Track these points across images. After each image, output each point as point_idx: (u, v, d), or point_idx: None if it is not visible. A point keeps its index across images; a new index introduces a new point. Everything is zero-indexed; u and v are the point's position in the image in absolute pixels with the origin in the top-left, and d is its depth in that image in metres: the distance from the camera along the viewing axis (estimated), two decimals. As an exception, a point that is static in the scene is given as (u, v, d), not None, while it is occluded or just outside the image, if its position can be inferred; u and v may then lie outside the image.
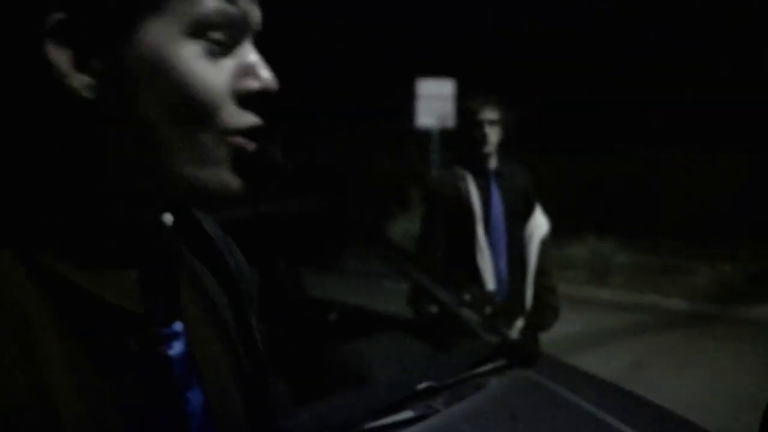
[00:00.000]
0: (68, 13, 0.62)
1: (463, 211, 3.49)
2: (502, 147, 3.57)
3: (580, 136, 13.10)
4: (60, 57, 0.63)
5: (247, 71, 0.70)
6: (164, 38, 0.65)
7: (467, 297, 3.03)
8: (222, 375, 0.79)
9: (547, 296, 3.63)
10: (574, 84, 14.28)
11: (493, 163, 3.57)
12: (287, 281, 3.35)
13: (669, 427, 2.40)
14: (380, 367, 2.60)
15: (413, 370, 2.44)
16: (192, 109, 0.67)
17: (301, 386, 2.17)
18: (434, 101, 10.32)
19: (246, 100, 0.70)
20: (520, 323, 3.50)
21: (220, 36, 0.68)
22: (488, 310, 3.24)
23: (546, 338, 3.53)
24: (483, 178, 3.55)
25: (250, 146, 0.72)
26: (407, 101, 10.50)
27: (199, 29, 0.67)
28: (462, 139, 3.62)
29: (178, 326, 0.74)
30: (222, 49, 0.69)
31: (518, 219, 3.62)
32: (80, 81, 0.64)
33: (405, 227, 11.03)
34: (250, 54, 0.71)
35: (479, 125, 3.47)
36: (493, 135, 3.49)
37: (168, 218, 0.79)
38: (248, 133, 0.71)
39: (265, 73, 0.71)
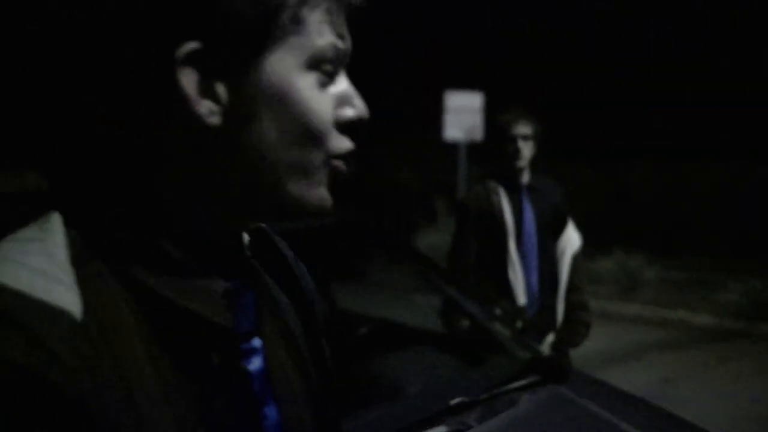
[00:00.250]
0: (201, 43, 0.66)
1: (495, 225, 3.50)
2: (534, 161, 3.57)
3: (609, 149, 13.04)
4: (189, 83, 0.67)
5: (345, 100, 0.76)
6: (285, 69, 0.70)
7: (498, 311, 3.03)
8: (294, 393, 0.81)
9: (579, 312, 3.62)
10: (606, 96, 14.21)
11: (525, 177, 3.57)
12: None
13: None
14: (412, 382, 2.60)
15: (445, 385, 2.44)
16: (306, 135, 0.72)
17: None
18: (462, 114, 10.30)
19: (343, 126, 0.76)
20: (550, 339, 3.49)
21: (329, 68, 0.73)
22: (519, 324, 3.24)
23: (573, 353, 3.51)
24: (515, 192, 3.55)
25: (346, 169, 0.77)
26: (435, 113, 10.51)
27: (314, 62, 0.72)
28: (495, 153, 3.62)
29: (256, 342, 0.77)
30: (329, 80, 0.74)
31: (550, 234, 3.61)
32: (205, 107, 0.68)
33: (432, 240, 11.02)
34: (346, 84, 0.77)
35: (512, 140, 3.48)
36: (526, 150, 3.50)
37: (245, 237, 0.82)
38: (345, 157, 0.76)
39: (360, 103, 0.77)
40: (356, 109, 0.76)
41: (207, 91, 0.68)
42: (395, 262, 2.95)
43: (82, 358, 0.60)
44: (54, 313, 0.60)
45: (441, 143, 10.86)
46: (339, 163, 0.76)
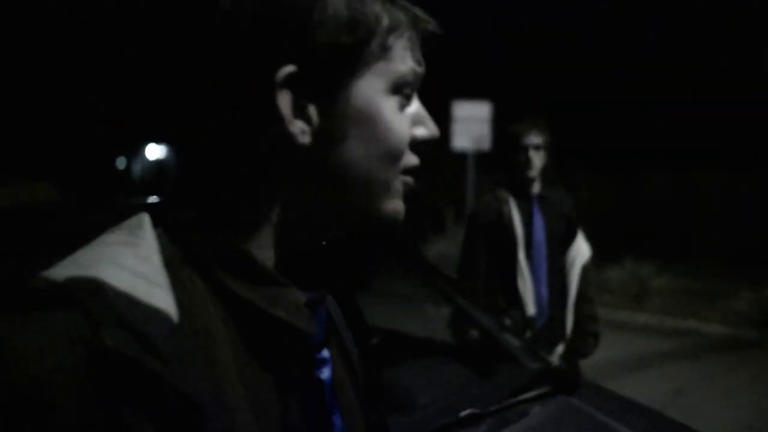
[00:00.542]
0: (298, 67, 0.72)
1: (505, 235, 3.49)
2: (545, 171, 3.57)
3: (615, 155, 13.01)
4: (284, 104, 0.72)
5: (419, 120, 0.82)
6: (371, 93, 0.76)
7: (507, 321, 3.02)
8: (352, 405, 0.86)
9: (588, 323, 3.60)
10: (608, 97, 14.18)
11: (536, 187, 3.57)
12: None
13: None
14: (422, 393, 2.59)
15: (455, 397, 2.43)
16: (388, 153, 0.77)
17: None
18: (470, 123, 10.31)
19: (415, 144, 0.82)
20: (560, 349, 3.48)
21: (408, 91, 0.80)
22: (528, 334, 3.23)
23: (583, 363, 3.50)
24: (526, 202, 3.55)
25: (413, 183, 0.83)
26: (443, 123, 10.51)
27: (397, 86, 0.78)
28: (505, 162, 3.62)
29: (326, 353, 0.81)
30: (407, 102, 0.80)
31: (560, 244, 3.60)
32: (298, 127, 0.73)
33: (441, 249, 11.02)
34: (418, 105, 0.83)
35: (524, 149, 3.48)
36: (537, 159, 3.50)
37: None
38: (412, 171, 0.82)
39: (431, 123, 0.83)
40: (429, 129, 0.83)
41: (300, 112, 0.73)
42: (405, 272, 2.95)
43: (183, 358, 0.63)
44: (156, 315, 0.64)
45: (449, 153, 10.87)
46: (408, 179, 0.82)
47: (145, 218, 0.73)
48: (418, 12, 0.80)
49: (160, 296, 0.65)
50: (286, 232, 0.77)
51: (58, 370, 0.59)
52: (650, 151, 12.85)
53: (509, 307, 3.40)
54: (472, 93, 10.54)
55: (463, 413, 2.17)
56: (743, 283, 9.90)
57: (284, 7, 0.71)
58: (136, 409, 0.60)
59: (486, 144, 10.39)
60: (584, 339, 3.57)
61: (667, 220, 12.56)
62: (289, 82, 0.72)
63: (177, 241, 0.72)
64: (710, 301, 9.60)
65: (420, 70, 0.80)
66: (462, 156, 10.93)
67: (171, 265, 0.69)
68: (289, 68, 0.71)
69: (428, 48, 0.82)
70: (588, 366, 3.46)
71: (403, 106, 0.79)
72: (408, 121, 0.80)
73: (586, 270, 3.62)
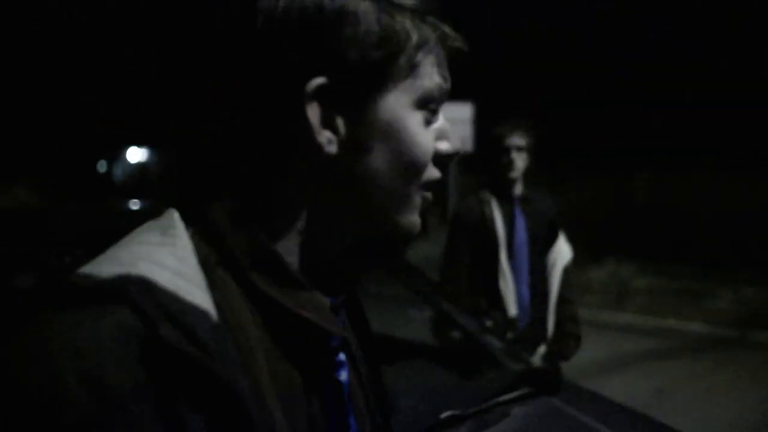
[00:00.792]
0: (328, 79, 0.74)
1: (487, 236, 3.50)
2: (527, 173, 3.58)
3: (600, 159, 13.05)
4: (313, 114, 0.74)
5: (443, 135, 0.84)
6: (398, 108, 0.78)
7: (489, 323, 3.02)
8: (361, 408, 0.89)
9: (570, 325, 3.62)
10: (593, 98, 14.21)
11: (518, 188, 3.58)
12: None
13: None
14: (403, 395, 2.59)
15: (436, 398, 2.43)
16: (411, 167, 0.80)
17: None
18: (452, 125, 10.28)
19: (437, 158, 0.84)
20: (542, 350, 3.49)
21: (434, 107, 0.82)
22: (509, 335, 3.23)
23: (565, 363, 3.51)
24: (508, 203, 3.56)
25: (430, 196, 0.85)
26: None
27: (423, 102, 0.80)
28: (488, 164, 3.63)
29: (342, 356, 0.85)
30: (432, 117, 0.82)
31: (541, 246, 3.61)
32: (325, 137, 0.75)
33: (424, 251, 11.01)
34: (442, 120, 0.85)
35: (506, 151, 3.50)
36: (520, 161, 3.51)
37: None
38: (432, 186, 0.84)
39: (454, 138, 0.86)
40: (452, 144, 0.85)
41: (328, 123, 0.76)
42: (387, 274, 2.94)
43: (226, 354, 0.66)
44: (200, 313, 0.67)
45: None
46: (428, 194, 0.84)
47: (177, 218, 0.75)
48: (447, 29, 0.82)
49: (199, 295, 0.68)
50: (310, 238, 0.79)
51: (117, 365, 0.61)
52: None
53: (491, 308, 3.40)
54: (453, 94, 10.54)
55: (444, 415, 2.17)
56: (724, 282, 9.97)
57: (318, 21, 0.73)
58: (189, 402, 0.63)
59: (468, 146, 10.40)
60: (565, 341, 3.58)
61: (648, 222, 12.62)
62: (319, 94, 0.74)
63: (210, 242, 0.74)
64: (691, 300, 9.65)
65: (446, 86, 0.83)
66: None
67: (206, 265, 0.72)
68: (320, 80, 0.73)
69: (455, 64, 0.84)
70: (570, 366, 3.46)
71: (428, 121, 0.81)
72: (432, 135, 0.82)
73: (567, 272, 3.63)
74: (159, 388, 0.62)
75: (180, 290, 0.67)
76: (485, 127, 3.90)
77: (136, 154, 20.72)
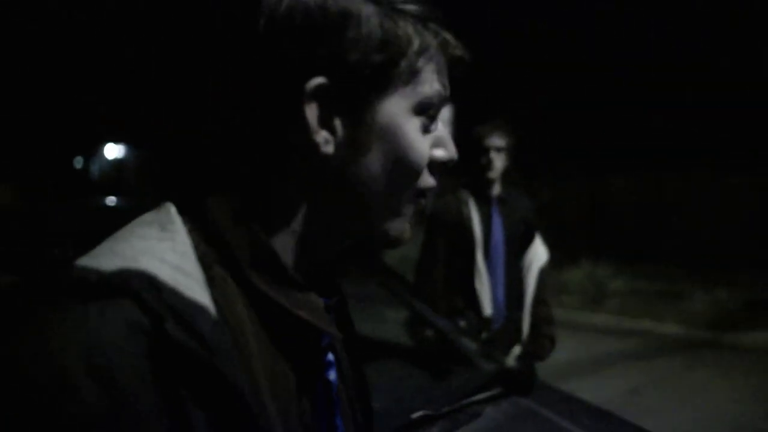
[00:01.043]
0: (328, 79, 0.74)
1: (464, 236, 3.50)
2: (506, 174, 3.59)
3: (578, 161, 13.09)
4: (311, 114, 0.75)
5: (440, 142, 0.85)
6: (396, 112, 0.78)
7: (463, 324, 3.02)
8: (346, 409, 0.90)
9: (545, 327, 3.63)
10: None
11: (496, 189, 3.59)
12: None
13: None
14: (376, 396, 2.58)
15: (409, 399, 2.42)
16: (405, 172, 0.80)
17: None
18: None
19: (433, 165, 0.84)
20: (516, 351, 3.49)
21: (432, 113, 0.82)
22: (484, 335, 3.23)
23: (539, 363, 3.51)
24: (485, 203, 3.57)
25: (424, 204, 0.85)
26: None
27: (422, 108, 0.80)
28: (467, 164, 3.63)
29: (331, 356, 0.85)
30: (430, 123, 0.82)
31: (518, 246, 3.62)
32: (322, 137, 0.76)
33: (400, 251, 11.03)
34: (441, 127, 0.85)
35: (485, 151, 3.50)
36: (499, 161, 3.52)
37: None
38: (426, 193, 0.85)
39: (451, 146, 0.86)
40: (448, 151, 0.85)
41: (325, 123, 0.76)
42: (362, 274, 2.93)
43: (226, 350, 0.66)
44: (200, 309, 0.67)
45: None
46: (422, 201, 0.84)
47: (174, 213, 0.75)
48: (448, 37, 0.83)
49: (199, 291, 0.68)
50: (309, 239, 0.79)
51: (125, 360, 0.62)
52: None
53: (467, 308, 3.40)
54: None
55: (415, 415, 2.16)
56: (698, 284, 10.05)
57: (320, 22, 0.74)
58: (192, 397, 0.64)
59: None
60: (540, 342, 3.60)
61: (624, 223, 12.69)
62: (318, 93, 0.74)
63: (208, 240, 0.74)
64: (666, 302, 9.72)
65: (446, 93, 0.83)
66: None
67: (204, 262, 0.72)
68: (319, 80, 0.74)
69: (455, 72, 0.85)
70: (545, 366, 3.47)
71: (426, 128, 0.81)
72: (429, 142, 0.82)
73: (543, 273, 3.65)
74: (164, 383, 0.63)
75: (180, 286, 0.67)
76: (464, 128, 3.89)
77: (113, 151, 20.56)
